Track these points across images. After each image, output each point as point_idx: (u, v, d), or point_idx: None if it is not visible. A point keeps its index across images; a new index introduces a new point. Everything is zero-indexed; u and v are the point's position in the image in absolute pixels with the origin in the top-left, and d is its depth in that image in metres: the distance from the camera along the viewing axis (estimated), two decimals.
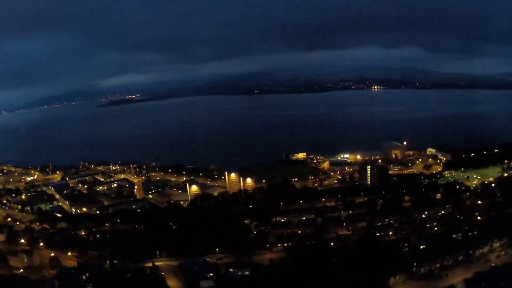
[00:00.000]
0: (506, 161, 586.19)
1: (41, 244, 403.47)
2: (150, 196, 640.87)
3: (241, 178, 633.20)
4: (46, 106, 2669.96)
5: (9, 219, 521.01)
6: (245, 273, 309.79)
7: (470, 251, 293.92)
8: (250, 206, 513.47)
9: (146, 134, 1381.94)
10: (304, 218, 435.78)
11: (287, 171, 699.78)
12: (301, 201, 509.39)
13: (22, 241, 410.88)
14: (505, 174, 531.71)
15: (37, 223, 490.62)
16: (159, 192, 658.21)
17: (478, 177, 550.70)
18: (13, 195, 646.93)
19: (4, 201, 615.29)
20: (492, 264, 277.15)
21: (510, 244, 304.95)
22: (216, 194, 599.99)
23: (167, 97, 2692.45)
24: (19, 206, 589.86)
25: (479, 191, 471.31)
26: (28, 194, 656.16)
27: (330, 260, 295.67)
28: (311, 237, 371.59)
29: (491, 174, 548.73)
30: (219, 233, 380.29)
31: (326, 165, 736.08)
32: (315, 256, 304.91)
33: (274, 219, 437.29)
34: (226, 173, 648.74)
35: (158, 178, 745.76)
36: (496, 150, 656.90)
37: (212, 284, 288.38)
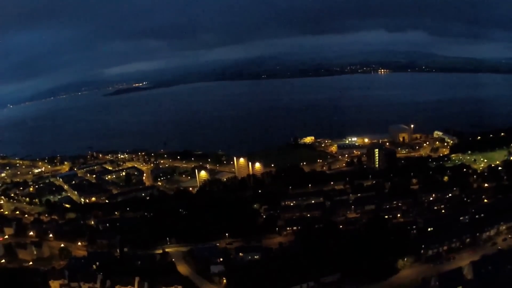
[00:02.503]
0: None
1: (50, 235, 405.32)
2: (159, 183, 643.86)
3: (250, 163, 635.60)
4: (52, 98, 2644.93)
5: (17, 212, 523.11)
6: (255, 257, 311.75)
7: (477, 234, 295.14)
8: (259, 191, 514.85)
9: (153, 121, 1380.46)
10: (312, 201, 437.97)
11: (296, 155, 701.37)
12: (309, 185, 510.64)
13: (31, 233, 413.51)
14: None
15: (46, 215, 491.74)
16: (168, 179, 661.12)
17: (485, 161, 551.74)
18: (21, 188, 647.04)
19: (12, 195, 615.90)
20: (499, 247, 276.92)
21: None
22: (225, 179, 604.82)
23: (173, 84, 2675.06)
24: (27, 199, 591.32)
25: (486, 174, 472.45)
26: (36, 186, 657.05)
27: (339, 243, 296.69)
28: (320, 220, 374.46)
29: (497, 158, 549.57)
30: (229, 218, 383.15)
31: (334, 148, 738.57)
32: (324, 239, 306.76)
33: (283, 203, 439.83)
34: (235, 158, 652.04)
35: (166, 165, 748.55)
36: (502, 134, 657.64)
37: (222, 268, 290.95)
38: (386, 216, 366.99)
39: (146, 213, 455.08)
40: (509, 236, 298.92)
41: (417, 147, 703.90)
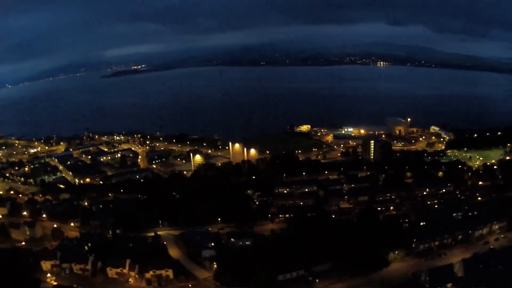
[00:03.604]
0: (508, 144, 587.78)
1: (44, 215, 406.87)
2: (154, 166, 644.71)
3: (245, 149, 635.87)
4: (51, 78, 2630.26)
5: (12, 192, 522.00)
6: (247, 243, 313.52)
7: (470, 232, 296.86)
8: (253, 177, 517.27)
9: (150, 104, 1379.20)
10: (306, 190, 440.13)
11: (291, 143, 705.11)
12: (304, 173, 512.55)
13: (25, 213, 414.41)
14: (507, 157, 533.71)
15: (40, 195, 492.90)
16: (163, 162, 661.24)
17: (481, 158, 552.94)
18: (16, 168, 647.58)
19: (7, 174, 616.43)
20: (491, 247, 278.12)
21: (510, 228, 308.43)
22: (219, 164, 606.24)
23: (172, 68, 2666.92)
24: (22, 179, 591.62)
25: (480, 172, 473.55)
26: (31, 166, 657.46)
27: (330, 232, 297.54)
28: (312, 209, 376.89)
29: (493, 156, 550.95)
30: (222, 203, 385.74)
31: (330, 138, 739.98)
32: (316, 228, 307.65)
33: (277, 190, 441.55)
34: (230, 143, 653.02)
35: (162, 148, 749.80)
36: (499, 133, 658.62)
37: (213, 253, 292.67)
38: (379, 208, 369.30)
39: (140, 196, 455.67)
40: (502, 236, 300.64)
41: (413, 141, 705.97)
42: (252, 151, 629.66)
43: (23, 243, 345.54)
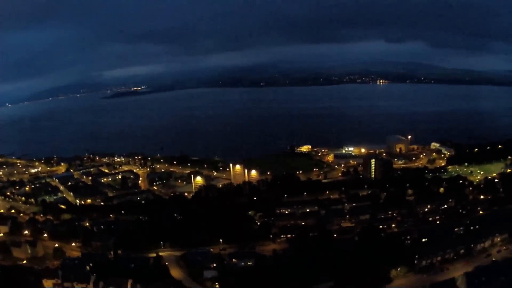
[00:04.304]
0: (509, 157, 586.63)
1: (45, 235, 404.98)
2: (155, 188, 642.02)
3: (246, 170, 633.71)
4: (50, 98, 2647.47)
5: (12, 211, 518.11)
6: (249, 263, 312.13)
7: (472, 245, 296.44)
8: (255, 198, 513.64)
9: (151, 125, 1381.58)
10: (307, 210, 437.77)
11: (292, 163, 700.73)
12: (305, 193, 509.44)
13: (26, 232, 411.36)
14: (508, 170, 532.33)
15: (41, 215, 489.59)
16: (164, 183, 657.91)
17: (482, 172, 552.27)
18: (17, 187, 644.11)
19: (8, 193, 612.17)
20: (493, 259, 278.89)
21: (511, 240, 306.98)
22: (220, 185, 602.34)
23: (172, 89, 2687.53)
24: (23, 198, 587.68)
25: (482, 186, 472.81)
26: (32, 186, 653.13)
27: (332, 251, 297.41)
28: (314, 228, 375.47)
29: (494, 170, 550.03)
30: (223, 223, 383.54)
31: (330, 157, 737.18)
32: (318, 247, 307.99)
33: (278, 211, 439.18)
34: (231, 164, 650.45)
35: (162, 170, 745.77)
36: (499, 146, 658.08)
37: (215, 273, 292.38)
38: (381, 226, 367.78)
39: (141, 217, 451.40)
40: (504, 247, 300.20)
41: (413, 158, 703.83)
42: (253, 172, 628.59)
43: (25, 261, 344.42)
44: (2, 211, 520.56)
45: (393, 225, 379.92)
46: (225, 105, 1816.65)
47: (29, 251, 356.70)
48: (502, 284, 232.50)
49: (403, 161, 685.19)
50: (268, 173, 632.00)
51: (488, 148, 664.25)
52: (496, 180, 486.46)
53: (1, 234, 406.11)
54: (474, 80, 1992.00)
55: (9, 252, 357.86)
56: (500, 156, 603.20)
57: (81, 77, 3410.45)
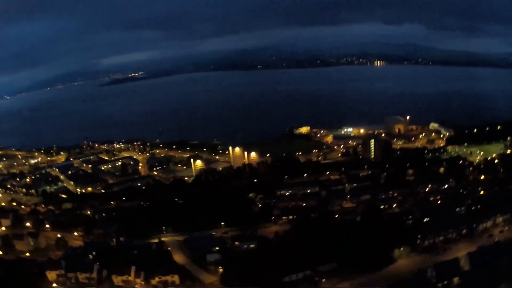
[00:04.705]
0: (508, 137, 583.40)
1: (47, 226, 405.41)
2: (155, 173, 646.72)
3: (246, 153, 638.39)
4: (48, 88, 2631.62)
5: (14, 203, 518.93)
6: (251, 246, 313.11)
7: (474, 225, 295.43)
8: (255, 180, 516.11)
9: (149, 111, 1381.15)
10: (308, 191, 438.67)
11: (291, 145, 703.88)
12: (305, 175, 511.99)
13: (28, 224, 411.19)
14: (508, 151, 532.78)
15: (42, 206, 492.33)
16: (164, 168, 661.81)
17: (481, 153, 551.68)
18: (17, 179, 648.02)
19: (9, 186, 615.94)
20: (496, 239, 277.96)
21: None
22: (220, 169, 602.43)
23: (169, 74, 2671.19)
24: (24, 190, 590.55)
25: (482, 166, 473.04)
26: (33, 177, 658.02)
27: (334, 232, 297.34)
28: (315, 209, 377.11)
29: (494, 151, 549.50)
30: (224, 207, 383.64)
31: (329, 139, 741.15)
32: (319, 228, 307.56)
33: (279, 193, 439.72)
34: (230, 147, 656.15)
35: (162, 155, 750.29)
36: (498, 127, 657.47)
37: (218, 257, 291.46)
38: (382, 206, 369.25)
39: (142, 203, 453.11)
40: (506, 228, 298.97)
41: (413, 139, 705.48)
42: (253, 154, 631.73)
43: (28, 254, 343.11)
44: (3, 204, 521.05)
45: (394, 205, 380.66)
46: (223, 89, 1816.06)
47: (32, 243, 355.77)
48: (505, 264, 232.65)
49: (402, 141, 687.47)
50: (268, 155, 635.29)
51: (487, 129, 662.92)
52: (496, 161, 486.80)
53: (3, 228, 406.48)
54: (472, 62, 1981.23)
55: (11, 245, 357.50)
56: (499, 137, 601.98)
57: (78, 66, 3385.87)
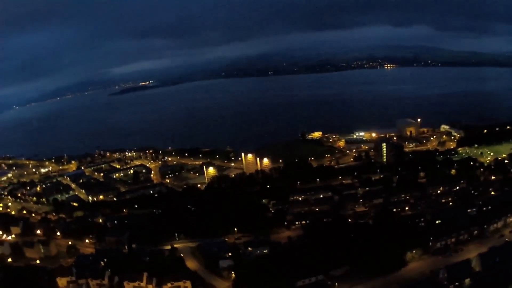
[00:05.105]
0: None
1: (58, 233, 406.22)
2: (167, 181, 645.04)
3: (258, 159, 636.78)
4: (58, 98, 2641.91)
5: (24, 211, 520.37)
6: (264, 251, 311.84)
7: (485, 226, 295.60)
8: (268, 186, 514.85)
9: (160, 119, 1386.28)
10: (321, 196, 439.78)
11: (303, 150, 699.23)
12: (317, 180, 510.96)
13: (38, 232, 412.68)
14: None
15: (53, 214, 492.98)
16: (176, 176, 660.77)
17: (492, 154, 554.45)
18: (28, 188, 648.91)
19: (19, 195, 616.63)
20: (506, 239, 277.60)
21: None
22: (233, 175, 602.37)
23: (180, 82, 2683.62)
24: (34, 198, 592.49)
25: (492, 167, 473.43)
26: (43, 186, 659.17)
27: (347, 236, 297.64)
28: (328, 214, 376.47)
29: (503, 151, 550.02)
30: (237, 213, 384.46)
31: (341, 143, 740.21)
32: (332, 232, 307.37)
33: (292, 198, 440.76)
34: (243, 154, 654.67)
35: (174, 162, 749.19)
36: (508, 127, 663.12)
37: (231, 263, 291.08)
38: (394, 209, 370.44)
39: (154, 210, 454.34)
40: None
41: (424, 141, 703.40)
42: (265, 160, 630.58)
43: (38, 261, 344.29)
44: (13, 212, 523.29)
45: (407, 208, 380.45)
46: (234, 96, 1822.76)
47: (42, 251, 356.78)
48: None
49: (413, 144, 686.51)
50: (280, 161, 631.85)
51: (497, 129, 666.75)
52: (506, 161, 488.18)
53: (13, 236, 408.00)
54: (480, 62, 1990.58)
55: (21, 253, 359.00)
56: (509, 137, 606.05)
57: (88, 75, 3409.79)
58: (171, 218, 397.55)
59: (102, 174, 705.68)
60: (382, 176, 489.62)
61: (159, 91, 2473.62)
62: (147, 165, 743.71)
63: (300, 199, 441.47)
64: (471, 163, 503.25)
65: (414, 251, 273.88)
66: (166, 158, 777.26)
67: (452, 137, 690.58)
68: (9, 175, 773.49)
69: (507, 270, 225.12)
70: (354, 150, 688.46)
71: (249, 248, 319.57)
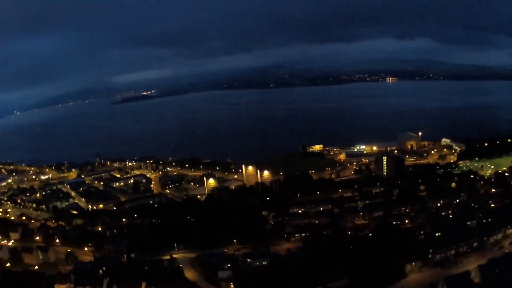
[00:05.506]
0: None
1: (57, 240, 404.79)
2: (167, 191, 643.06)
3: (258, 171, 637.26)
4: (59, 105, 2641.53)
5: (23, 217, 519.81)
6: (263, 263, 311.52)
7: (484, 238, 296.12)
8: (268, 198, 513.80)
9: (161, 129, 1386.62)
10: (321, 208, 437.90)
11: (304, 163, 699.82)
12: (318, 192, 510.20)
13: (37, 238, 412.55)
14: None
15: (53, 221, 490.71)
16: (176, 186, 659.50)
17: (492, 167, 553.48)
18: (28, 194, 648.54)
19: (19, 201, 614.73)
20: (506, 251, 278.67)
21: None
22: (233, 187, 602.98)
23: (182, 93, 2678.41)
24: (34, 205, 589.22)
25: (492, 180, 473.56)
26: (43, 193, 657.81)
27: (347, 248, 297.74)
28: (328, 227, 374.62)
29: (504, 164, 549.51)
30: (237, 224, 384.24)
31: (342, 156, 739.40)
32: (332, 245, 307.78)
33: (291, 210, 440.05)
34: (243, 166, 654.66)
35: (175, 173, 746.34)
36: (509, 140, 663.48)
37: (230, 274, 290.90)
38: (394, 222, 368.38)
39: (154, 220, 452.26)
40: None
41: (425, 155, 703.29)
42: (266, 173, 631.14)
43: (36, 267, 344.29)
44: (13, 218, 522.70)
45: (407, 221, 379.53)
46: (235, 107, 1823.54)
47: (41, 257, 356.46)
48: None
49: (414, 157, 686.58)
50: (281, 173, 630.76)
51: (497, 142, 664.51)
52: (506, 174, 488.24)
53: (12, 241, 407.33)
54: (482, 75, 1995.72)
55: (20, 258, 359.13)
56: (510, 150, 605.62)
57: (90, 83, 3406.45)
58: (171, 229, 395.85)
59: (102, 183, 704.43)
60: (382, 189, 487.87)
61: (161, 101, 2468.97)
62: (148, 175, 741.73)
63: (300, 211, 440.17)
64: (472, 176, 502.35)
65: (413, 263, 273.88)
66: (166, 168, 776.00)
67: (453, 151, 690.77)
68: (9, 180, 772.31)
69: (507, 282, 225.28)
70: (354, 163, 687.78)
71: (248, 259, 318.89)
